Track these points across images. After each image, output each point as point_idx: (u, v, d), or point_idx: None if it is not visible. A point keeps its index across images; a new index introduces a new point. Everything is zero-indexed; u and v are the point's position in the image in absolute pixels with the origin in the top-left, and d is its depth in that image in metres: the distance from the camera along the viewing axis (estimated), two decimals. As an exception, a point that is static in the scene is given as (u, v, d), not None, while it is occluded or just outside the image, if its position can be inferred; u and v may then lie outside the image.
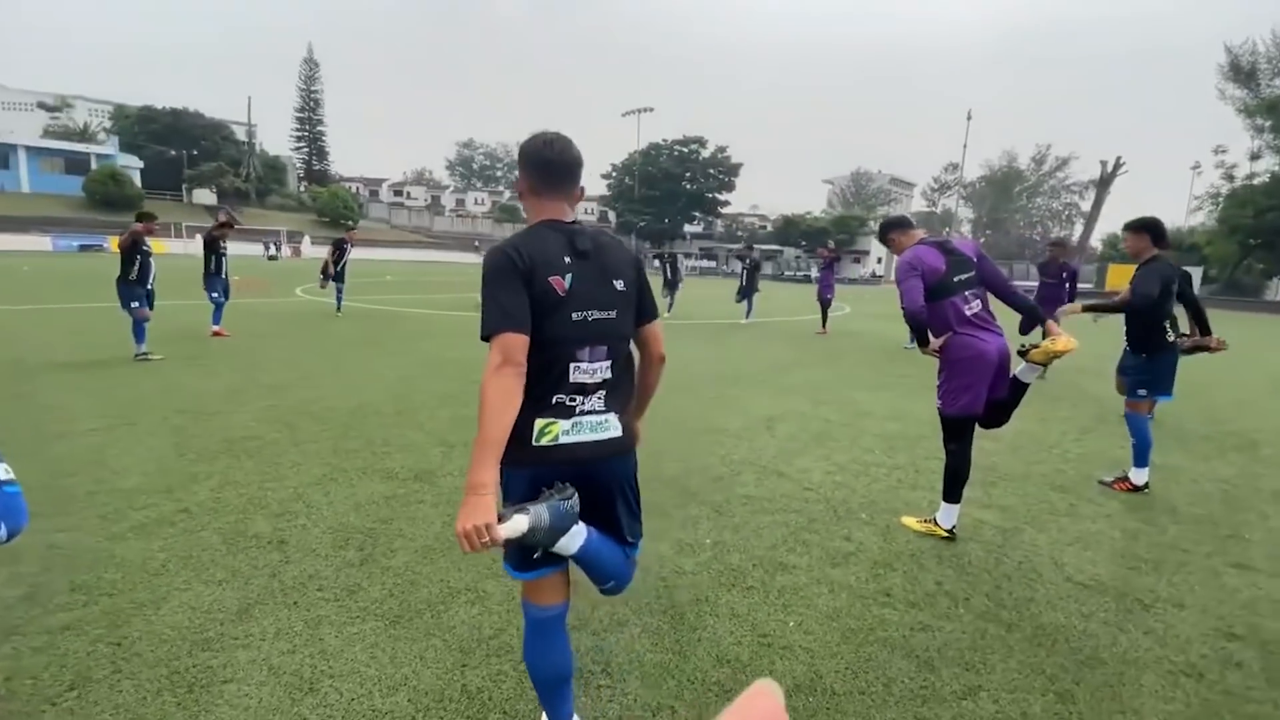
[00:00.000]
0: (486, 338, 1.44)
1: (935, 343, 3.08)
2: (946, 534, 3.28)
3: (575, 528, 1.49)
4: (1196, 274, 36.06)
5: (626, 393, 1.65)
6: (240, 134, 62.43)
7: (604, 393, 1.58)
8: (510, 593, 2.62)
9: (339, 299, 12.68)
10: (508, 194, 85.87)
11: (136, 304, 7.14)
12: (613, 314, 1.57)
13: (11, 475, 1.27)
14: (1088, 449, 5.10)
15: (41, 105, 57.58)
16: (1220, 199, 39.43)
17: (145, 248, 7.23)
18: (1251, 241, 36.26)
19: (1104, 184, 46.48)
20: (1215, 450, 5.28)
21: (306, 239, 48.90)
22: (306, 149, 70.59)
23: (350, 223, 53.53)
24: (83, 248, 37.98)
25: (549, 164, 1.56)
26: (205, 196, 54.37)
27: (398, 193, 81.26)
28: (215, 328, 9.01)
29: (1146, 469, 4.09)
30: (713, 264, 55.38)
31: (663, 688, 2.11)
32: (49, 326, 9.50)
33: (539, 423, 1.51)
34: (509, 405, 1.39)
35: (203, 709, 1.97)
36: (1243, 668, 2.35)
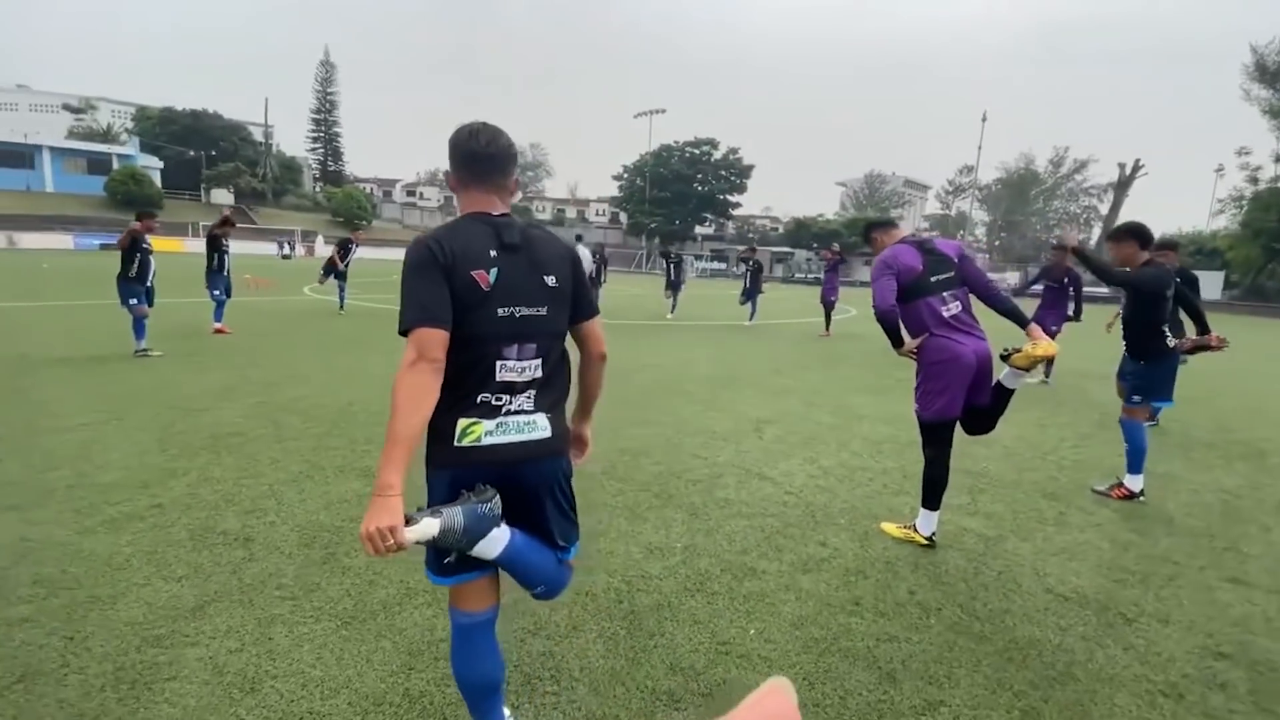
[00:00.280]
0: (404, 333, 1.39)
1: (909, 344, 2.99)
2: (926, 541, 3.19)
3: (495, 532, 1.44)
4: (1217, 278, 35.31)
5: (559, 393, 1.60)
6: (257, 135, 63.30)
7: (534, 392, 1.53)
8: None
9: (341, 297, 12.77)
10: (519, 195, 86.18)
11: (135, 301, 7.22)
12: (543, 310, 1.52)
13: None
14: (1085, 456, 4.96)
15: (66, 107, 58.86)
16: (1243, 202, 38.52)
17: (144, 245, 7.32)
18: (1276, 246, 35.35)
19: (1122, 187, 45.63)
20: (1220, 459, 5.11)
21: (320, 238, 49.45)
22: (322, 150, 71.40)
23: (364, 222, 54.09)
24: (103, 246, 38.65)
25: (474, 156, 1.51)
26: (223, 196, 55.23)
27: (411, 193, 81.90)
28: (217, 325, 9.09)
29: (1141, 476, 3.96)
30: (723, 266, 55.07)
31: (610, 696, 2.05)
32: (57, 322, 9.66)
33: (462, 422, 1.46)
34: (421, 403, 1.34)
35: (142, 706, 1.95)
36: (1227, 689, 2.24)
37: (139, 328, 7.28)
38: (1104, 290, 21.96)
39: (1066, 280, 7.85)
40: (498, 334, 1.47)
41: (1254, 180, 38.76)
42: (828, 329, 12.63)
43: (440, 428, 1.48)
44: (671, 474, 4.13)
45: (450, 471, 1.47)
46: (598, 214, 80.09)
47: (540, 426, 1.52)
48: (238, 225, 9.42)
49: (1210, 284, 33.88)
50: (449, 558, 1.47)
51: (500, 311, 1.46)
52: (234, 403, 5.43)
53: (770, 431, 5.26)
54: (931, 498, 3.14)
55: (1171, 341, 3.82)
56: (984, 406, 3.04)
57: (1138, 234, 3.79)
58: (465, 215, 1.53)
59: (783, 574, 2.89)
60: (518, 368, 1.50)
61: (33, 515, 3.17)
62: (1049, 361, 8.12)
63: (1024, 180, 67.34)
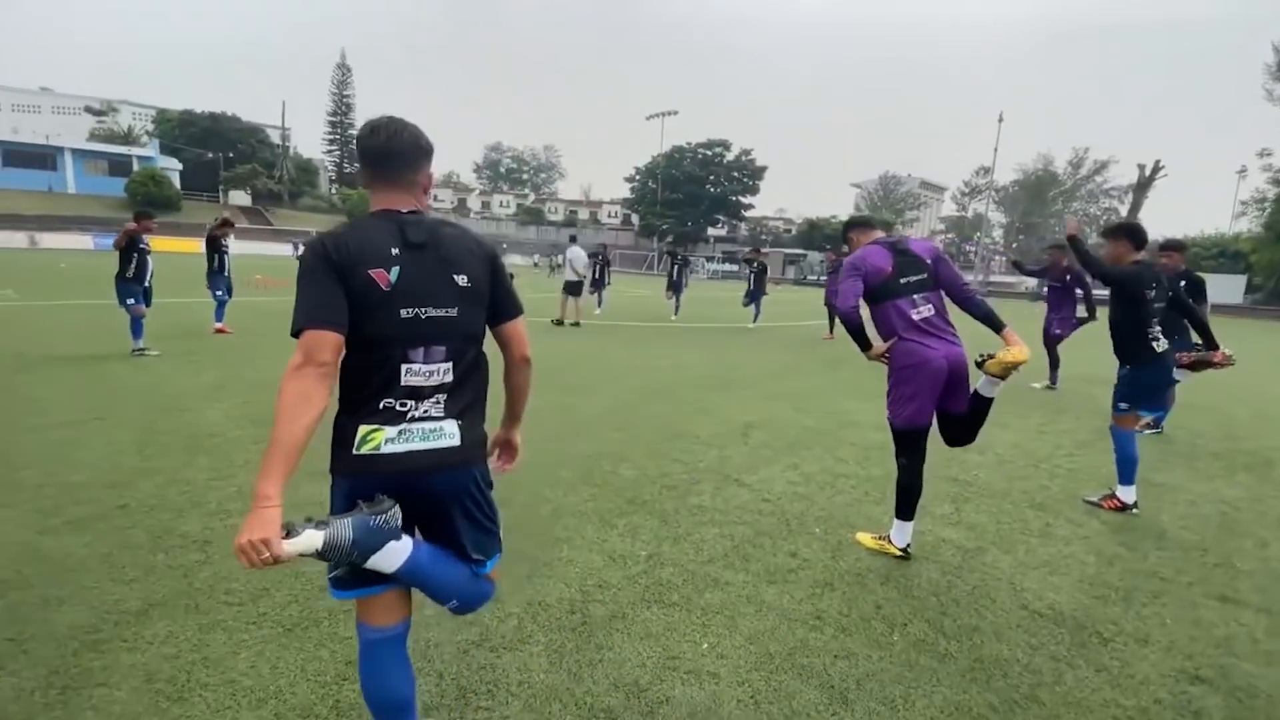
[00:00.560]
0: (294, 335, 1.34)
1: (878, 348, 2.89)
2: (900, 553, 3.08)
3: (393, 545, 1.38)
4: (1239, 281, 34.40)
5: (474, 398, 1.53)
6: (275, 137, 64.15)
7: (443, 397, 1.46)
8: (420, 602, 2.51)
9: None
10: (532, 196, 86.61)
11: (133, 300, 7.29)
12: (453, 311, 1.46)
13: None
14: (1081, 464, 4.80)
15: (89, 110, 60.08)
16: (1266, 204, 37.63)
17: (142, 245, 7.38)
18: (1301, 248, 34.48)
19: (1141, 188, 44.72)
20: (1224, 469, 4.93)
21: (334, 239, 49.91)
22: (338, 152, 72.18)
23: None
24: (121, 246, 39.38)
25: (374, 152, 1.45)
26: (240, 198, 56.02)
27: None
28: (218, 325, 9.16)
29: (1133, 487, 3.81)
30: (734, 268, 54.84)
31: (546, 712, 1.98)
32: (61, 321, 9.79)
33: (362, 429, 1.40)
34: (303, 410, 1.28)
35: (69, 712, 1.92)
36: (1201, 717, 2.12)
37: (136, 327, 7.34)
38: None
39: (1069, 279, 7.65)
40: (402, 336, 1.40)
41: (1277, 182, 37.84)
42: (831, 331, 12.47)
43: (341, 434, 1.42)
44: (647, 479, 4.05)
45: (349, 480, 1.42)
46: (610, 216, 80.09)
47: (448, 434, 1.46)
48: (238, 226, 9.50)
49: (1232, 287, 33.07)
50: (337, 570, 1.41)
51: (404, 313, 1.40)
52: (220, 403, 5.43)
53: (756, 436, 5.15)
54: (905, 507, 3.03)
55: (1160, 347, 3.66)
56: (961, 415, 2.93)
57: (1131, 233, 3.66)
58: (371, 213, 1.47)
59: (747, 585, 2.80)
60: (425, 371, 1.43)
61: (-2, 514, 3.17)
62: (1054, 365, 7.92)
63: (1042, 182, 66.28)
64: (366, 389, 1.41)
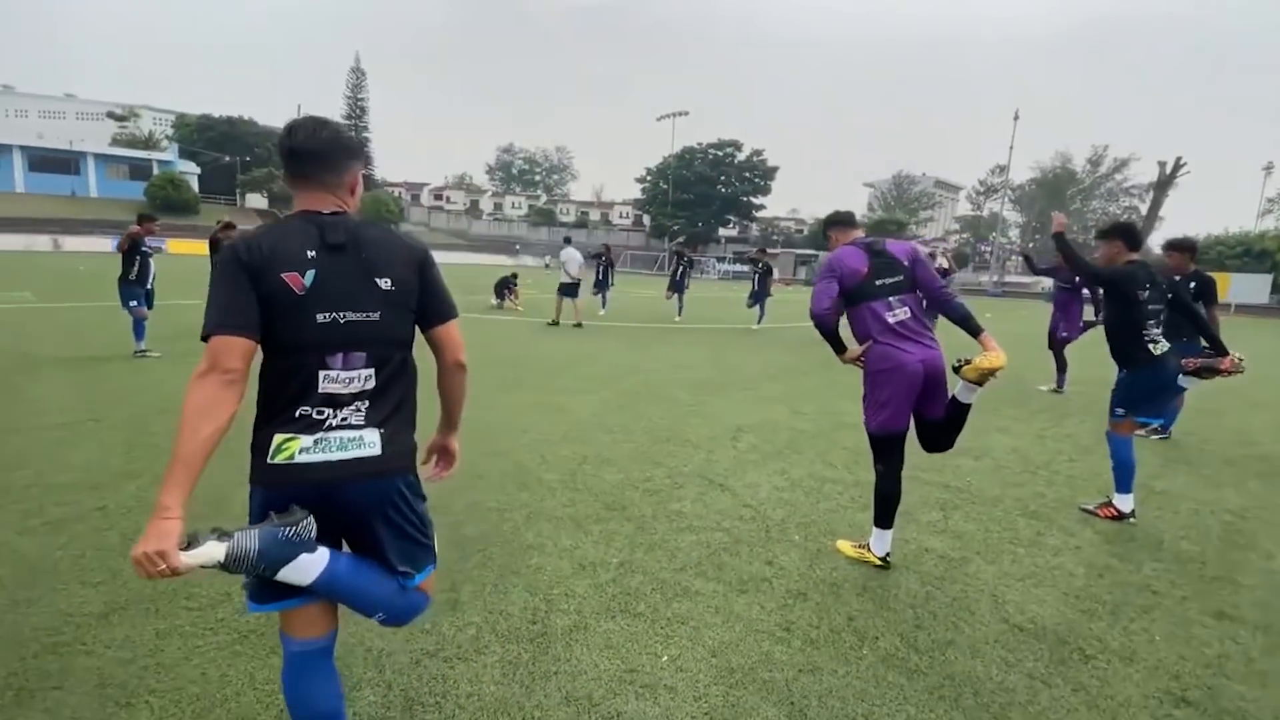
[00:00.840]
0: (204, 340, 1.30)
1: (853, 351, 2.81)
2: (880, 562, 2.99)
3: (305, 557, 1.34)
4: (1264, 281, 33.48)
5: (398, 406, 1.49)
6: (291, 141, 65.03)
7: (364, 405, 1.42)
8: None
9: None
10: (544, 198, 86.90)
11: (135, 303, 7.39)
12: (374, 316, 1.41)
13: None
14: (1081, 471, 4.66)
15: (110, 115, 61.29)
16: (1294, 202, 36.63)
17: (144, 248, 7.49)
18: (1329, 247, 33.51)
19: (1162, 186, 43.79)
20: (1233, 476, 4.75)
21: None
22: (353, 155, 73.03)
23: (392, 225, 55.09)
24: (140, 249, 40.15)
25: (293, 153, 1.41)
26: (257, 200, 56.95)
27: (438, 197, 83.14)
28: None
29: (1130, 495, 3.68)
30: (745, 268, 54.69)
31: (492, 726, 1.93)
32: (68, 323, 9.95)
33: (277, 438, 1.36)
34: (206, 419, 1.24)
35: (22, 713, 1.91)
36: (1182, 739, 2.01)
37: (139, 329, 7.44)
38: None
39: (1079, 280, 7.46)
40: (318, 342, 1.37)
41: (1306, 178, 36.77)
42: (836, 333, 12.31)
43: (257, 443, 1.39)
44: (630, 483, 3.99)
45: (264, 491, 1.38)
46: (622, 217, 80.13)
47: (368, 443, 1.41)
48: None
49: (1257, 287, 32.20)
50: (248, 583, 1.38)
51: (320, 317, 1.36)
52: (213, 404, 5.46)
53: (746, 439, 5.08)
54: (884, 515, 2.94)
55: (1159, 349, 3.53)
56: (938, 420, 2.84)
57: (1125, 233, 3.53)
58: (291, 214, 1.43)
59: (717, 594, 2.74)
60: (343, 379, 1.39)
61: (-20, 515, 3.19)
62: (1061, 369, 7.73)
63: (1059, 180, 65.19)
64: (282, 396, 1.37)
